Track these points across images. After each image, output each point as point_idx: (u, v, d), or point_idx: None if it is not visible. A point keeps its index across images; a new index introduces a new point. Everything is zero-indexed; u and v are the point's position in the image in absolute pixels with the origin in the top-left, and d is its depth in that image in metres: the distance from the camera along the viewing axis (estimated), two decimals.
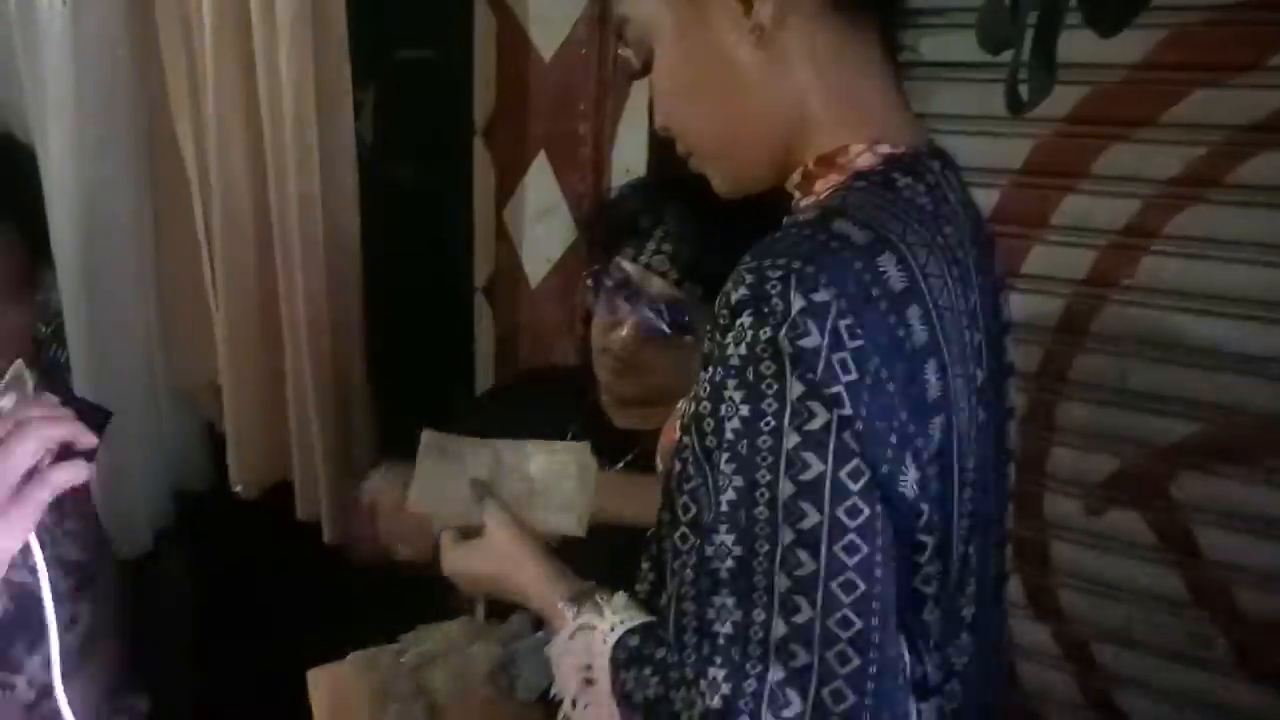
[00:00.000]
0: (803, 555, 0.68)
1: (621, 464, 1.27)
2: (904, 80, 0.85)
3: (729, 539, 0.70)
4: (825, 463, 0.68)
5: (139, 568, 1.80)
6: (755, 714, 0.68)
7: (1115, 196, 1.36)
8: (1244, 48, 1.25)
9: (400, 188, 1.93)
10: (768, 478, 0.69)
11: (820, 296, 0.68)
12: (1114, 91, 1.33)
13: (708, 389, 0.73)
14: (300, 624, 1.50)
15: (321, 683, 1.19)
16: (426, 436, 1.08)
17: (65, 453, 0.83)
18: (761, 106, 0.81)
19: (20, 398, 0.85)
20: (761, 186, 0.86)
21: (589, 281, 1.29)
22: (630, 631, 0.83)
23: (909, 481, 0.71)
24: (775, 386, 0.69)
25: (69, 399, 0.88)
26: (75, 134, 1.71)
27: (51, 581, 0.87)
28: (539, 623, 0.98)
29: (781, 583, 0.68)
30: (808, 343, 0.68)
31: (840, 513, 0.68)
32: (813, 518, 0.68)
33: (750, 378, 0.70)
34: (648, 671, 0.79)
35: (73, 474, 0.82)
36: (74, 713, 0.90)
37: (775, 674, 0.68)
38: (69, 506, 1.22)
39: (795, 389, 0.68)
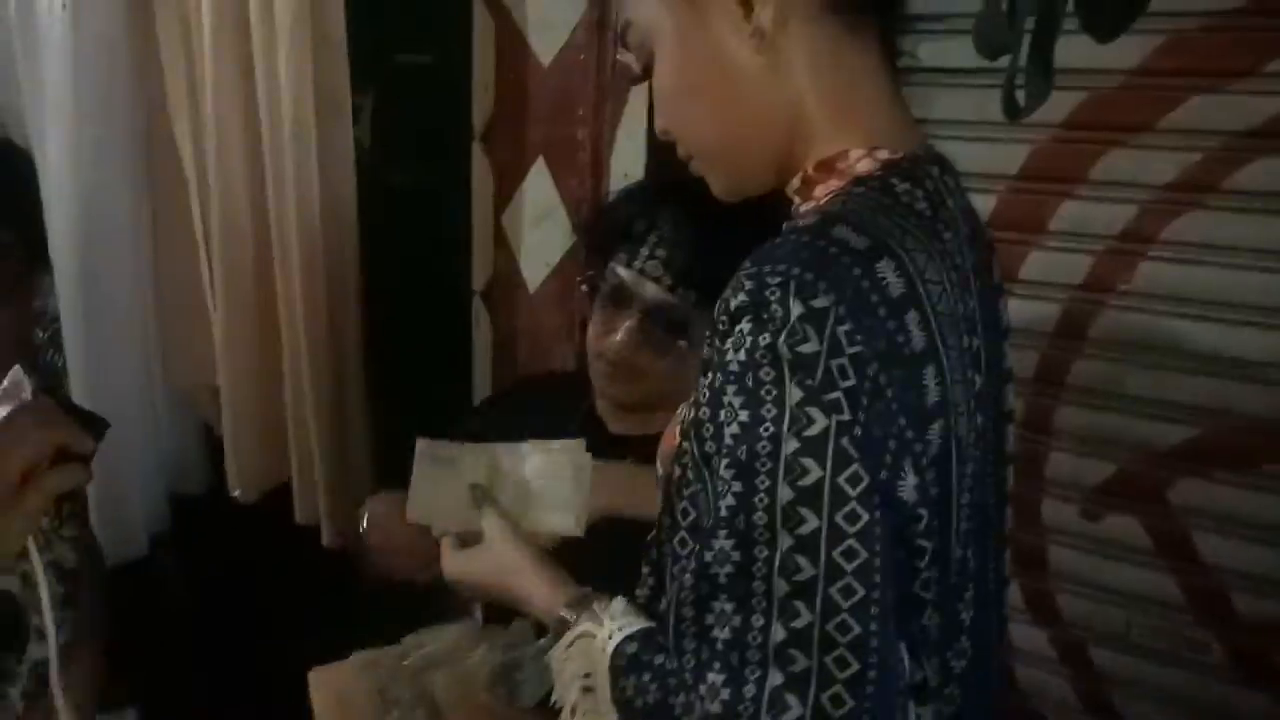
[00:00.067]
0: (801, 560, 0.68)
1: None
2: (904, 85, 0.85)
3: (728, 544, 0.70)
4: (824, 468, 0.68)
5: (135, 572, 1.80)
6: (754, 719, 0.68)
7: (1112, 202, 1.36)
8: (1241, 54, 1.25)
9: (399, 192, 1.93)
10: (766, 483, 0.69)
11: (819, 303, 0.69)
12: (1111, 97, 1.33)
13: (707, 395, 0.73)
14: (298, 628, 1.50)
15: (323, 683, 1.19)
16: (421, 445, 1.08)
17: (63, 457, 0.83)
18: (761, 110, 0.81)
19: (18, 403, 0.85)
20: (762, 190, 0.86)
21: (584, 287, 1.29)
22: (629, 638, 0.83)
23: (908, 487, 0.71)
24: (774, 392, 0.69)
25: (68, 407, 0.88)
26: (74, 137, 1.71)
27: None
28: (540, 630, 0.98)
29: (780, 588, 0.68)
30: (806, 349, 0.68)
31: (839, 518, 0.68)
32: (812, 523, 0.68)
33: (749, 384, 0.70)
34: (647, 678, 0.79)
35: (70, 478, 0.82)
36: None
37: (774, 679, 0.68)
38: (66, 512, 1.22)
39: (794, 395, 0.68)
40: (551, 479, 1.06)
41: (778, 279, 0.69)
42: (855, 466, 0.68)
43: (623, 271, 1.22)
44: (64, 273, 1.73)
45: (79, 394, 1.74)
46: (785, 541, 0.68)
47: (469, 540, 1.03)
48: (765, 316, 0.69)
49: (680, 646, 0.74)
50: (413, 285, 1.89)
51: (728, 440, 0.71)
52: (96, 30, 1.70)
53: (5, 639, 1.09)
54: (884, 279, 0.72)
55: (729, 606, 0.70)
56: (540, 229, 1.71)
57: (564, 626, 0.89)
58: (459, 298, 1.83)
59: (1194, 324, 1.34)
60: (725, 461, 0.71)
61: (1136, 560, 1.43)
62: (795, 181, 0.83)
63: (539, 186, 1.69)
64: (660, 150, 0.92)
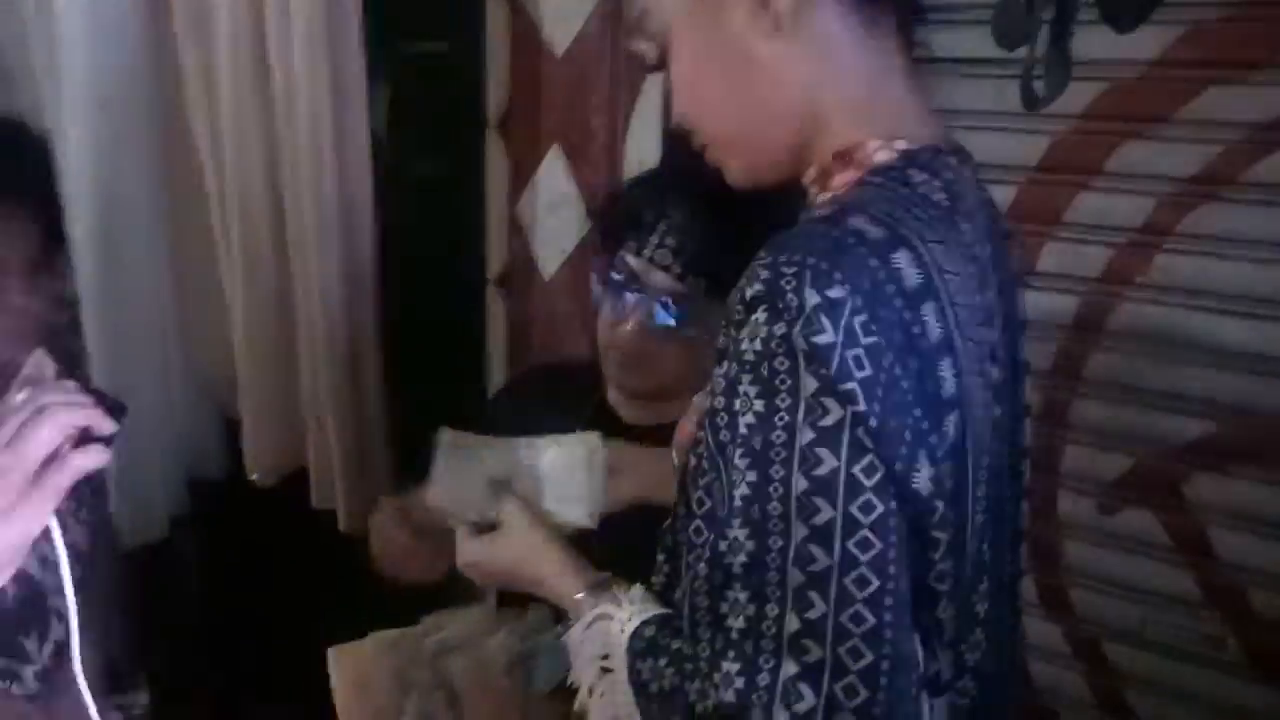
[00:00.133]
0: (816, 550, 0.68)
1: None
2: (923, 75, 0.85)
3: (742, 533, 0.71)
4: (839, 458, 0.68)
5: (154, 554, 1.81)
6: (768, 708, 0.68)
7: (1130, 194, 1.35)
8: (1260, 44, 1.24)
9: (414, 180, 1.94)
10: (781, 473, 0.69)
11: (835, 293, 0.69)
12: (1130, 88, 1.32)
13: (722, 384, 0.73)
14: (314, 612, 1.51)
15: (342, 661, 1.20)
16: (444, 435, 1.09)
17: (84, 438, 0.83)
18: (778, 98, 0.81)
19: (40, 385, 0.86)
20: (778, 178, 0.86)
21: (595, 275, 1.29)
22: (647, 622, 0.84)
23: (923, 478, 0.71)
24: (789, 382, 0.69)
25: (87, 390, 0.88)
26: (92, 126, 1.71)
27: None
28: (558, 616, 0.98)
29: (795, 578, 0.68)
30: (822, 339, 0.68)
31: (854, 508, 0.68)
32: (826, 513, 0.68)
33: (764, 373, 0.70)
34: (663, 662, 0.80)
35: (92, 459, 0.83)
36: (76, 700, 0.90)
37: (788, 669, 0.68)
38: (84, 495, 1.22)
39: (809, 385, 0.68)
40: (567, 473, 1.07)
41: (793, 269, 0.69)
42: (870, 457, 0.68)
43: (632, 260, 1.22)
44: (84, 259, 1.74)
45: (98, 378, 1.75)
46: (800, 531, 0.68)
47: (485, 530, 1.04)
48: (780, 306, 0.69)
49: (695, 635, 0.75)
50: (428, 273, 1.89)
51: (742, 430, 0.71)
52: (115, 19, 1.71)
53: (24, 620, 1.10)
54: (900, 270, 0.72)
55: (743, 596, 0.70)
56: (555, 217, 1.71)
57: (583, 608, 0.89)
58: (474, 285, 1.84)
59: (1212, 318, 1.33)
60: (740, 451, 0.71)
61: (1152, 555, 1.42)
62: (812, 171, 0.83)
63: (554, 175, 1.69)
64: (675, 138, 0.92)
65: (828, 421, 0.68)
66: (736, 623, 0.70)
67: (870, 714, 0.68)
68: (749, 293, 0.71)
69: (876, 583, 0.68)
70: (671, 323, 1.20)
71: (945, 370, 0.73)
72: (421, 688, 1.14)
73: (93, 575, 1.24)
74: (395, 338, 1.83)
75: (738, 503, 0.71)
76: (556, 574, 0.96)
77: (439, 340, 1.89)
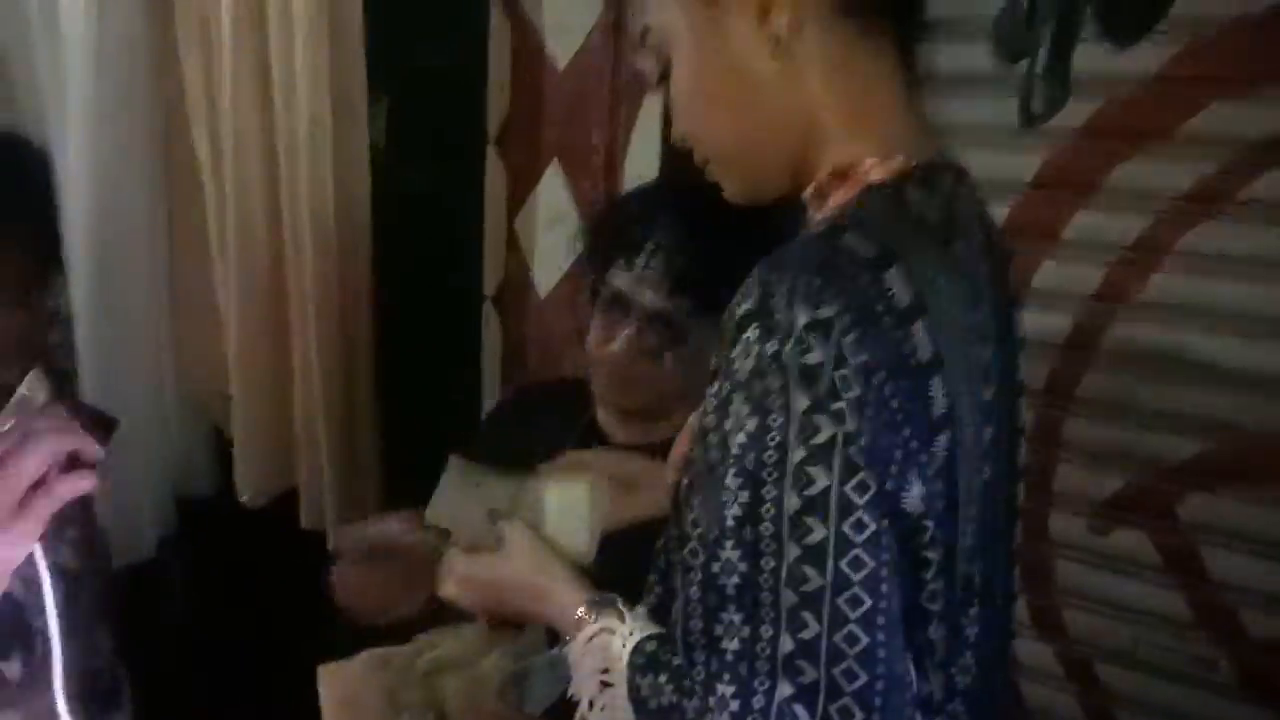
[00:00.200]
0: (809, 571, 0.68)
1: None
2: (923, 92, 0.85)
3: (734, 554, 0.70)
4: (831, 477, 0.68)
5: (141, 573, 1.80)
6: None
7: (1127, 211, 1.35)
8: (1260, 61, 1.24)
9: (412, 194, 1.93)
10: (773, 493, 0.69)
11: (825, 312, 0.68)
12: (1128, 104, 1.31)
13: (714, 403, 0.73)
14: (303, 632, 1.50)
15: (331, 680, 1.19)
16: (453, 461, 1.10)
17: (72, 463, 0.83)
18: (777, 115, 0.81)
19: (29, 409, 0.86)
20: (777, 194, 0.86)
21: (587, 294, 1.29)
22: (649, 638, 0.84)
23: (913, 497, 0.71)
24: (780, 401, 0.69)
25: (77, 406, 0.88)
26: (93, 137, 1.72)
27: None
28: (553, 639, 0.98)
29: (788, 598, 0.68)
30: (812, 358, 0.68)
31: (846, 528, 0.68)
32: (819, 533, 0.68)
33: (756, 392, 0.69)
34: (663, 679, 0.80)
35: (78, 485, 0.83)
36: None
37: (783, 690, 0.68)
38: (71, 514, 1.21)
39: (800, 403, 0.68)
40: (569, 509, 1.08)
41: (784, 286, 0.69)
42: (861, 475, 0.68)
43: (621, 278, 1.22)
44: (79, 273, 1.74)
45: (90, 394, 1.74)
46: (793, 552, 0.68)
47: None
48: (771, 325, 0.69)
49: (690, 658, 0.75)
50: (424, 289, 1.89)
51: (734, 449, 0.70)
52: (119, 30, 1.71)
53: (5, 641, 1.09)
54: (891, 288, 0.71)
55: (737, 618, 0.70)
56: (553, 233, 1.71)
57: (585, 622, 0.90)
58: (470, 302, 1.83)
59: (1208, 337, 1.32)
60: (732, 470, 0.70)
61: (1145, 576, 1.41)
62: (811, 189, 0.83)
63: (553, 190, 1.69)
64: (675, 155, 0.92)
65: (819, 440, 0.68)
66: (731, 644, 0.70)
67: None
68: (740, 310, 0.71)
69: (869, 602, 0.68)
70: (658, 341, 1.20)
71: (936, 389, 0.72)
72: (412, 708, 1.13)
73: (79, 594, 1.23)
74: (390, 355, 1.83)
75: (730, 523, 0.70)
76: (560, 588, 0.96)
77: (434, 358, 1.88)
